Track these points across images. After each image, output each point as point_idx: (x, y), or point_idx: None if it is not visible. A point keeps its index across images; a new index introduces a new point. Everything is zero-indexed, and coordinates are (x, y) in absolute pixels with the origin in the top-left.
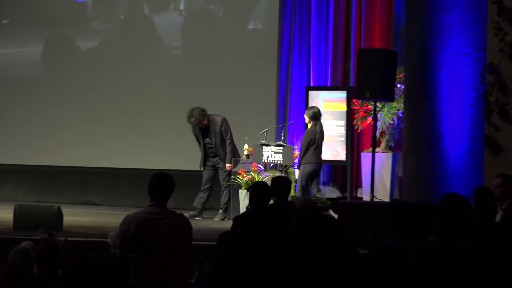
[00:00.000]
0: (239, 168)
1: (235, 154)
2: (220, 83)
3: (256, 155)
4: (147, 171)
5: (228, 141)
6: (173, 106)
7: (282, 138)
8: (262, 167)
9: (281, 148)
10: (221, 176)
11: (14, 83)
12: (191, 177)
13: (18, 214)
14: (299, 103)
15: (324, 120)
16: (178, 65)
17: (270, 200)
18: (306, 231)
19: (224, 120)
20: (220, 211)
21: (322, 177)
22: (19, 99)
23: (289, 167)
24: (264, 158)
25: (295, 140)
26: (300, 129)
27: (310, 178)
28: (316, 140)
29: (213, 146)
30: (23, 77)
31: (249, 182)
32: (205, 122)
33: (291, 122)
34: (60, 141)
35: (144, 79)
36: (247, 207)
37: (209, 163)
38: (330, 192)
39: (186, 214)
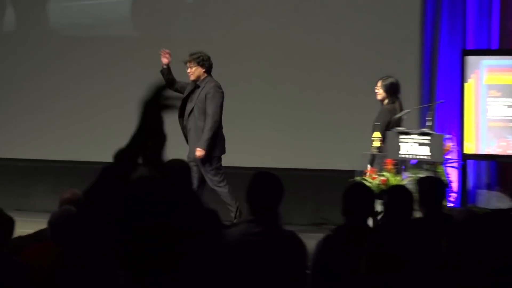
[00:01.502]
0: (365, 166)
1: (216, 141)
2: (341, 48)
3: (391, 147)
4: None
5: (209, 118)
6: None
7: (428, 123)
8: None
9: (428, 137)
10: (202, 171)
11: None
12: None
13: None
14: (452, 73)
15: (487, 98)
16: (292, 26)
17: (413, 212)
18: (466, 255)
19: (217, 87)
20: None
21: (484, 178)
22: (89, 68)
23: (439, 164)
24: (403, 151)
25: (446, 127)
26: (454, 110)
27: None
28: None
29: (189, 114)
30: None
31: (382, 186)
32: (195, 72)
33: (442, 100)
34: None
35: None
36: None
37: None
38: (496, 201)
39: None
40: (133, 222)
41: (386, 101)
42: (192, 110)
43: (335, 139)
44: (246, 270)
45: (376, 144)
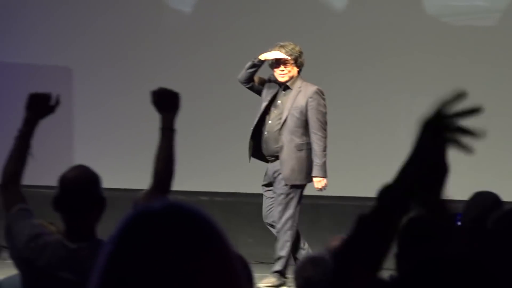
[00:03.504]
0: None
1: (308, 163)
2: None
3: None
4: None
5: (320, 133)
6: None
7: None
8: None
9: None
10: (277, 199)
11: None
12: None
13: None
14: None
15: None
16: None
17: None
18: None
19: (320, 92)
20: (274, 269)
21: None
22: None
23: None
24: None
25: None
26: None
27: None
28: None
29: (278, 128)
30: None
31: None
32: (291, 72)
33: None
34: None
35: None
36: None
37: (269, 172)
38: None
39: None
40: None
41: None
42: (285, 121)
43: None
44: None
45: None
